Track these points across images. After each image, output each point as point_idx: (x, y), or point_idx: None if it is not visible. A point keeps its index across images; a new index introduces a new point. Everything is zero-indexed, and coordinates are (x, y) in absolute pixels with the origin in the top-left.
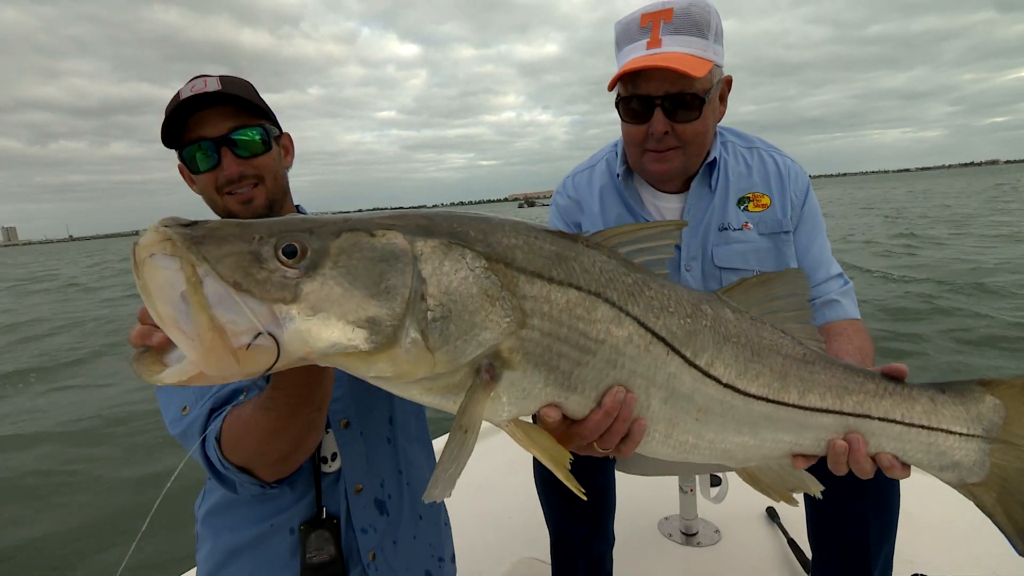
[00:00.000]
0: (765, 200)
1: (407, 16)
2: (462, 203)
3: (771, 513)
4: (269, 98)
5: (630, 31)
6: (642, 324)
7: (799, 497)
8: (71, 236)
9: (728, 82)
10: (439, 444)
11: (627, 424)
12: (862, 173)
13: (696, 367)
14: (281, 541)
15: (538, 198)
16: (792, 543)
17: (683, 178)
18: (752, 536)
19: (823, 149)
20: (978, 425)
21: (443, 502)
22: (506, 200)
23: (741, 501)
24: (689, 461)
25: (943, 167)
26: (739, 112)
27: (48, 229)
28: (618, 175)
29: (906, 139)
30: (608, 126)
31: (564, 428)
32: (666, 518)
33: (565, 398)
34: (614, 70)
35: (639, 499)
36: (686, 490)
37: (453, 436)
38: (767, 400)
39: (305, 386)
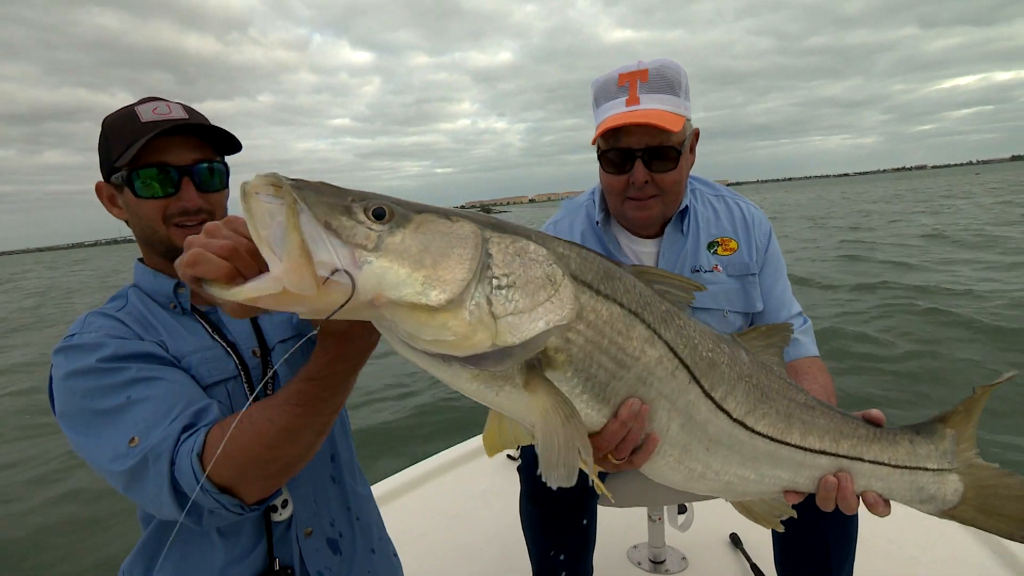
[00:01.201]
0: (733, 244)
1: (359, 23)
2: None
3: (734, 539)
4: (217, 106)
5: (608, 89)
6: (672, 349)
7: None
8: None
9: (696, 134)
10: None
11: (640, 434)
12: (807, 178)
13: (712, 399)
14: None
15: (494, 206)
16: (755, 568)
17: (659, 224)
18: (717, 562)
19: (770, 155)
20: (945, 459)
21: (388, 536)
22: (463, 207)
23: (706, 528)
24: (693, 491)
25: (879, 171)
26: (692, 119)
27: None
28: (597, 222)
29: (846, 145)
30: (563, 132)
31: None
32: (635, 546)
33: (596, 410)
34: (568, 78)
35: (609, 528)
36: (654, 519)
37: (565, 427)
38: (771, 439)
39: (339, 376)
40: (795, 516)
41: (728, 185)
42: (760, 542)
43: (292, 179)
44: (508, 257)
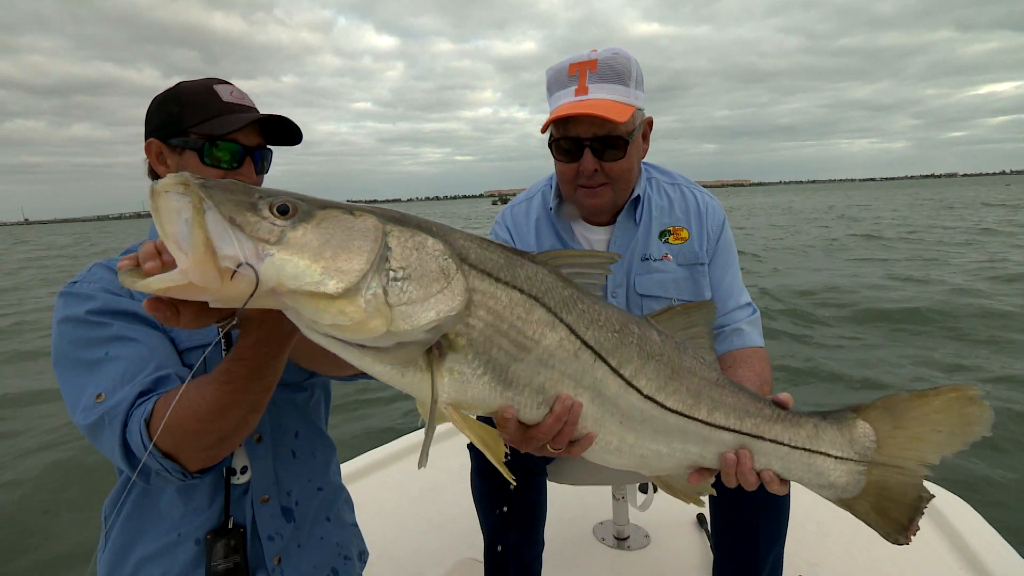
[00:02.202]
0: (684, 233)
1: (384, 7)
2: (437, 198)
3: (700, 519)
4: (242, 85)
5: (560, 78)
6: (573, 331)
7: (705, 499)
8: (26, 219)
9: (649, 123)
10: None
11: (574, 428)
12: (831, 181)
13: (621, 376)
14: (187, 551)
15: (512, 195)
16: (714, 547)
17: (612, 212)
18: (680, 540)
19: (795, 156)
20: (851, 449)
21: (352, 505)
22: (482, 196)
23: (672, 509)
24: (611, 465)
25: (907, 178)
26: (714, 116)
27: (1, 212)
28: (551, 208)
29: (873, 149)
30: None
31: (521, 432)
32: (600, 523)
33: (499, 392)
34: None
35: (576, 505)
36: (618, 497)
37: (432, 409)
38: (681, 414)
39: (265, 358)
40: (714, 493)
41: (750, 186)
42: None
43: (201, 179)
44: (406, 251)
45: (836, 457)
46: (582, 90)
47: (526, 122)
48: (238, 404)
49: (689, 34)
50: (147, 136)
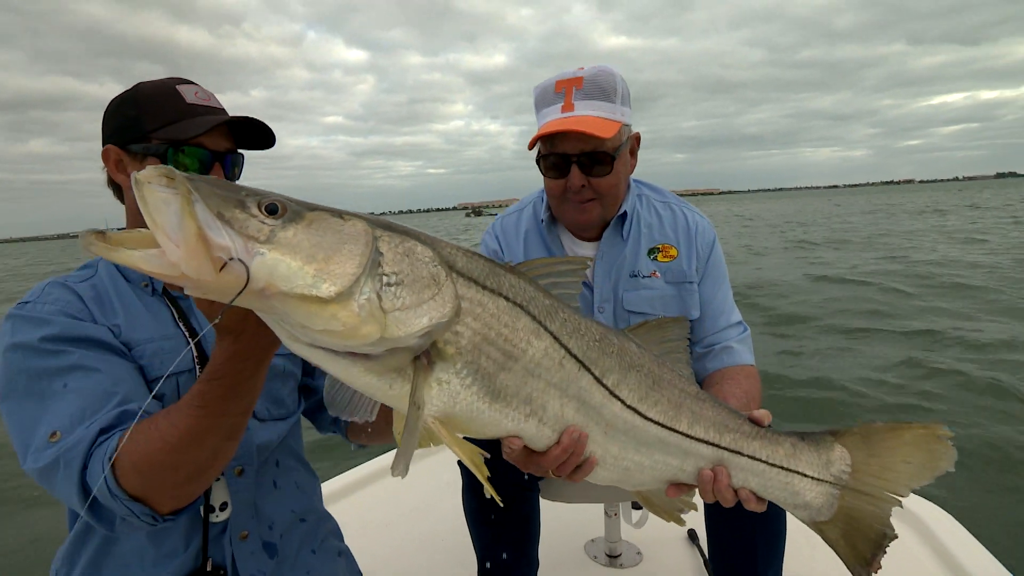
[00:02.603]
0: (673, 251)
1: (353, 21)
2: (410, 211)
3: (691, 535)
4: None
5: (546, 95)
6: (557, 339)
7: (687, 517)
8: None
9: (637, 138)
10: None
11: (580, 458)
12: (796, 188)
13: (604, 386)
14: None
15: (486, 207)
16: (708, 563)
17: (601, 226)
18: (672, 557)
19: (762, 165)
20: (827, 471)
21: (341, 533)
22: (455, 209)
23: (664, 526)
24: (595, 479)
25: (867, 184)
26: (682, 127)
27: None
28: (542, 221)
29: (835, 158)
30: None
31: (525, 457)
32: (592, 540)
33: (488, 404)
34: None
35: (567, 522)
36: (611, 514)
37: (409, 413)
38: (662, 425)
39: (241, 375)
40: (696, 508)
41: (719, 194)
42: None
43: (183, 173)
44: (397, 256)
45: (812, 478)
46: (568, 107)
47: (498, 134)
48: (214, 430)
49: (657, 47)
50: (104, 142)
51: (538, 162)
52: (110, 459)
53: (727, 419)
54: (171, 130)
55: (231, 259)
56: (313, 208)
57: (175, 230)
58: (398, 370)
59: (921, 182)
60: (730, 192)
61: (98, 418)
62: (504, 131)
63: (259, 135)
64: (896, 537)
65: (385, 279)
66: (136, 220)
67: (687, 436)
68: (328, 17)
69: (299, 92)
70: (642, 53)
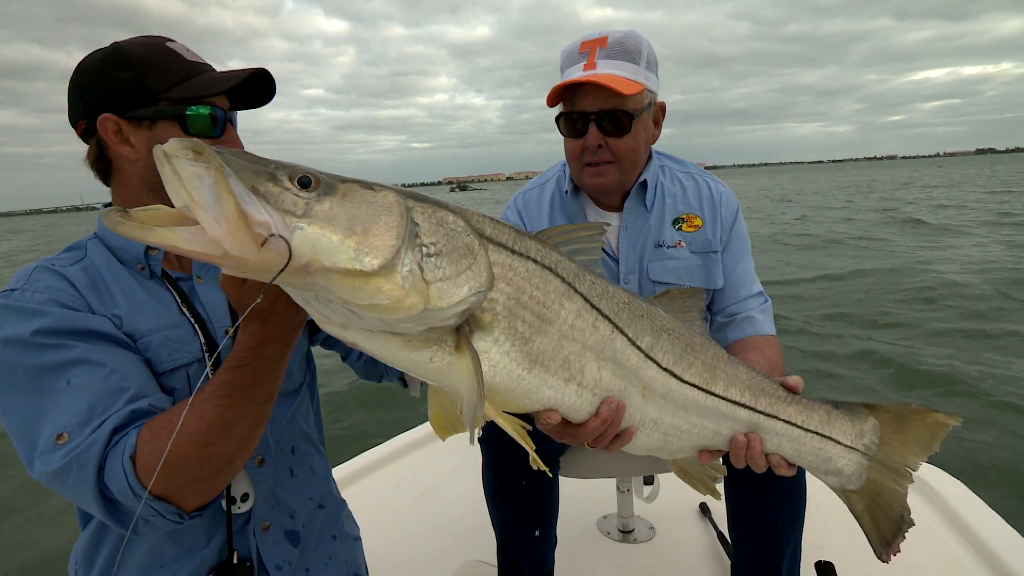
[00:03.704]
0: (697, 221)
1: None
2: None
3: (703, 509)
4: None
5: (571, 56)
6: (588, 301)
7: (721, 489)
8: None
9: (662, 108)
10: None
11: (617, 429)
12: (782, 163)
13: (639, 348)
14: None
15: (471, 182)
16: (721, 536)
17: (620, 194)
18: (684, 531)
19: (748, 140)
20: (860, 440)
21: (353, 519)
22: (440, 183)
23: (675, 500)
24: (634, 448)
25: (852, 160)
26: (669, 101)
27: None
28: (567, 192)
29: (820, 133)
30: (541, 110)
31: (561, 429)
32: (604, 517)
33: (527, 369)
34: (546, 55)
35: (579, 499)
36: (623, 490)
37: (473, 368)
38: (699, 388)
39: (268, 360)
40: (725, 474)
41: (705, 169)
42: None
43: (212, 146)
44: (432, 226)
45: (845, 446)
46: (591, 65)
47: (483, 108)
48: (241, 419)
49: (642, 19)
50: (86, 113)
51: (557, 121)
52: (131, 459)
53: (762, 383)
54: (185, 89)
55: (271, 235)
56: (344, 180)
57: (213, 206)
58: (437, 342)
59: (903, 158)
60: (716, 167)
61: (110, 416)
62: (488, 105)
63: (253, 94)
64: (913, 524)
65: (424, 250)
66: (128, 199)
67: (724, 399)
68: None
69: (278, 64)
70: (626, 25)
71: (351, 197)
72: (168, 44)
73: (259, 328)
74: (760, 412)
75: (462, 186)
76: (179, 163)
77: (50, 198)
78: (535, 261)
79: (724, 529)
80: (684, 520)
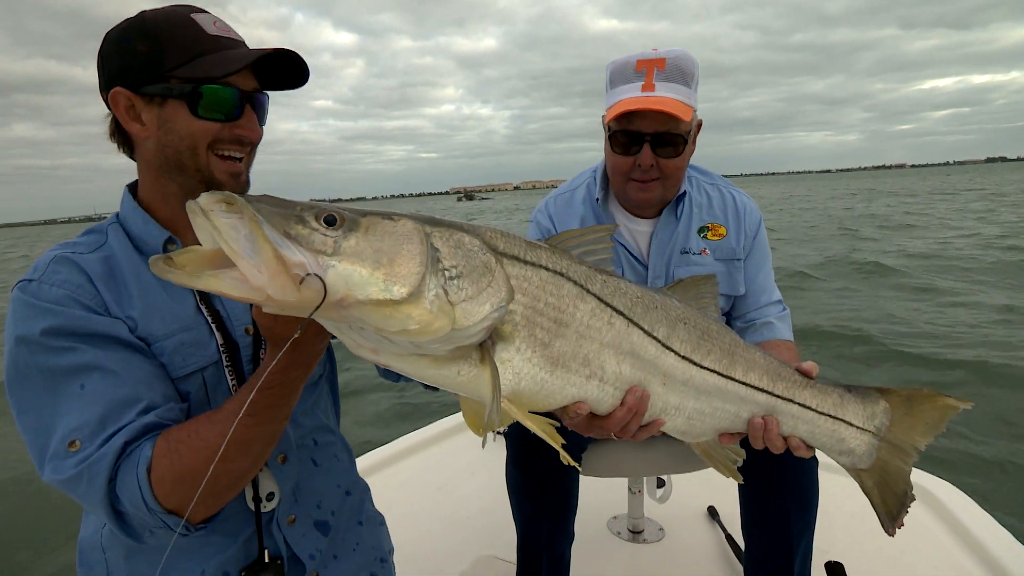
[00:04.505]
0: (722, 230)
1: (342, 4)
2: (402, 196)
3: (712, 512)
4: None
5: (626, 73)
6: (601, 300)
7: (734, 493)
8: None
9: (699, 125)
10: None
11: (642, 418)
12: (789, 173)
13: (656, 339)
14: None
15: (477, 192)
16: (729, 538)
17: (658, 207)
18: (693, 533)
19: (755, 149)
20: (871, 422)
21: (373, 502)
22: (447, 193)
23: (684, 502)
24: (665, 429)
25: (860, 168)
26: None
27: None
28: (597, 199)
29: (828, 142)
30: (548, 120)
31: (588, 422)
32: (615, 517)
33: (549, 372)
34: (552, 66)
35: (590, 499)
36: (634, 491)
37: (491, 381)
38: (719, 374)
39: (293, 383)
40: (744, 457)
41: None
42: (736, 515)
43: (241, 196)
44: (451, 249)
45: (858, 427)
46: (649, 87)
47: (489, 119)
48: (260, 438)
49: (648, 30)
50: (107, 85)
51: (609, 138)
52: (147, 472)
53: (779, 368)
54: (197, 67)
55: (308, 275)
56: (365, 214)
57: (252, 255)
58: (463, 358)
59: (913, 167)
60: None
61: (123, 428)
62: (495, 115)
63: (288, 73)
64: (914, 499)
65: (447, 273)
66: (149, 177)
67: (744, 384)
68: (316, 0)
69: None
70: (632, 36)
71: (374, 230)
72: (193, 16)
73: (287, 355)
74: (777, 396)
75: (469, 196)
76: (216, 217)
77: (65, 209)
78: (547, 268)
79: (732, 532)
80: (693, 522)
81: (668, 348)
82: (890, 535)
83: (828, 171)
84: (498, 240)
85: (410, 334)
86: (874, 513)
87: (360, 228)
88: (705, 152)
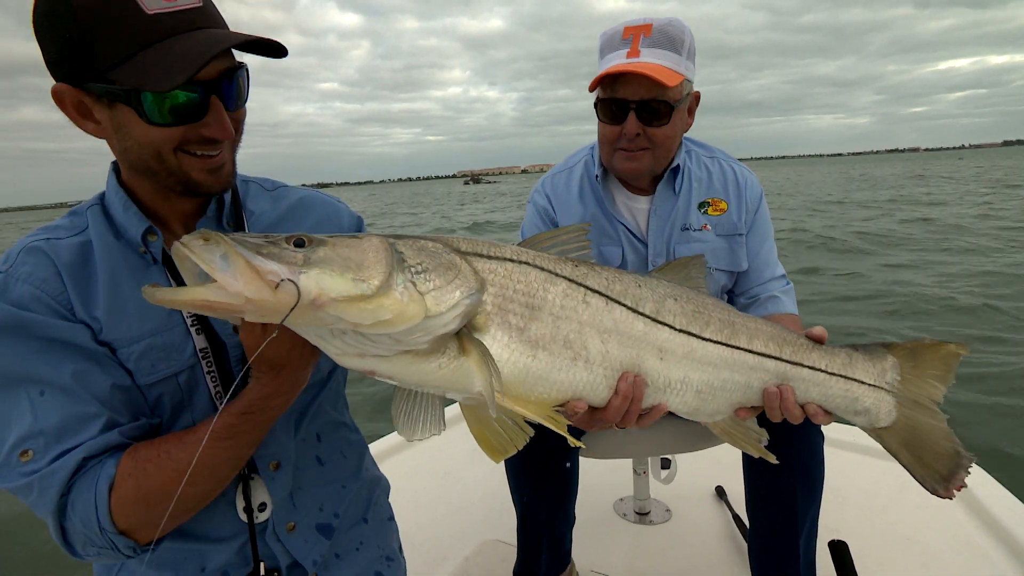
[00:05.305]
0: (723, 205)
1: None
2: (409, 179)
3: (719, 492)
4: None
5: (613, 41)
6: (572, 281)
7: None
8: None
9: (696, 97)
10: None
11: (641, 404)
12: (800, 156)
13: (642, 315)
14: None
15: (485, 175)
16: (736, 518)
17: (650, 179)
18: (700, 514)
19: (764, 132)
20: (882, 378)
21: (388, 492)
22: (454, 176)
23: (692, 483)
24: (672, 408)
25: (872, 152)
26: (694, 84)
27: None
28: (596, 176)
29: (839, 125)
30: (555, 103)
31: (588, 416)
32: (621, 499)
33: (531, 356)
34: (560, 47)
35: (596, 481)
36: (640, 472)
37: (481, 357)
38: (723, 344)
39: (274, 410)
40: (768, 438)
41: None
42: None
43: (217, 233)
44: (415, 251)
45: (869, 385)
46: (634, 53)
47: (496, 101)
48: (229, 461)
49: (655, 10)
50: (49, 70)
51: (596, 106)
52: (109, 490)
53: (783, 333)
54: (135, 69)
55: (282, 280)
56: (332, 235)
57: (226, 267)
58: (441, 350)
59: (927, 150)
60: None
61: (82, 444)
62: (502, 98)
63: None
64: (974, 459)
65: (413, 269)
66: (128, 174)
67: (750, 352)
68: None
69: (293, 58)
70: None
71: (341, 243)
72: None
73: (271, 380)
74: (786, 361)
75: (476, 179)
76: (194, 247)
77: (74, 192)
78: (512, 260)
79: (740, 512)
80: (700, 503)
81: (660, 323)
82: (945, 497)
83: (839, 155)
84: (460, 243)
85: (386, 325)
86: (885, 491)
87: (327, 244)
88: (712, 134)
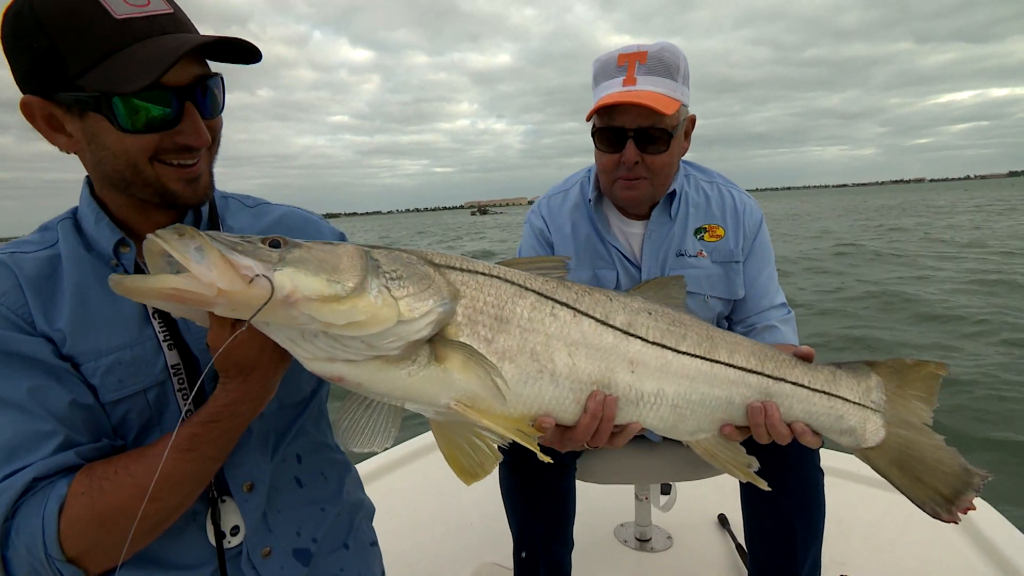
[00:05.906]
0: (720, 231)
1: (359, 21)
2: (417, 210)
3: (722, 520)
4: None
5: (608, 68)
6: (541, 295)
7: (753, 468)
8: None
9: (692, 121)
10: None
11: (611, 422)
12: (805, 187)
13: (612, 327)
14: None
15: (492, 206)
16: (740, 548)
17: (648, 205)
18: (702, 542)
19: (769, 164)
20: (867, 396)
21: (372, 516)
22: (462, 207)
23: (694, 509)
24: (647, 423)
25: (877, 183)
26: (690, 108)
27: None
28: (590, 200)
29: (844, 156)
30: (562, 136)
31: (559, 434)
32: (622, 525)
33: (499, 367)
34: (567, 81)
35: (597, 507)
36: (641, 498)
37: (467, 356)
38: (701, 357)
39: (240, 418)
40: (758, 465)
41: None
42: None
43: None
44: (390, 259)
45: (854, 403)
46: (630, 80)
47: (504, 133)
48: (195, 475)
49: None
50: (17, 82)
51: (593, 135)
52: (59, 510)
53: (764, 349)
54: (105, 74)
55: (256, 275)
56: (309, 241)
57: (201, 259)
58: (411, 357)
59: (932, 181)
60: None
61: (33, 464)
62: (510, 130)
63: (237, 47)
64: (988, 477)
65: (388, 275)
66: (100, 187)
67: (730, 366)
68: (333, 17)
69: (305, 92)
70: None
71: (316, 247)
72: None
73: (239, 385)
74: (768, 376)
75: (483, 210)
76: (169, 240)
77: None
78: (483, 274)
79: (743, 541)
80: (703, 531)
81: (632, 335)
82: (948, 521)
83: (845, 185)
84: (435, 256)
85: (358, 327)
86: (892, 523)
87: (302, 247)
88: (719, 167)
